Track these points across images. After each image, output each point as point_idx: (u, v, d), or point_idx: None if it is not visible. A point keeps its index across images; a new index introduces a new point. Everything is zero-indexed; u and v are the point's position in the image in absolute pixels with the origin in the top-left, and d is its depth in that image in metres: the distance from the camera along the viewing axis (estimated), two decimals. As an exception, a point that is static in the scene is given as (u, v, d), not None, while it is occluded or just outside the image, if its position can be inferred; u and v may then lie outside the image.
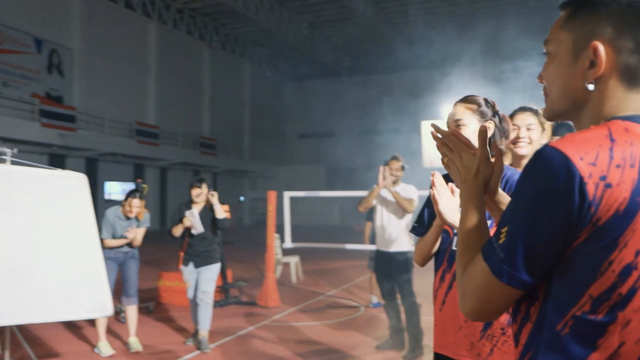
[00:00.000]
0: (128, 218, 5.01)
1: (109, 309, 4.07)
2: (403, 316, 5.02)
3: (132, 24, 25.03)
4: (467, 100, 1.94)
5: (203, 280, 5.07)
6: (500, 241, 0.87)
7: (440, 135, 1.13)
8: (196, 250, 5.12)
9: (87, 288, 4.08)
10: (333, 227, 26.92)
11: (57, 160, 20.29)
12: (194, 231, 5.10)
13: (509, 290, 0.86)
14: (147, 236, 5.17)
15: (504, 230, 0.87)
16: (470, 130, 1.87)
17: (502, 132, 1.90)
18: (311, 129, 36.65)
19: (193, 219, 5.05)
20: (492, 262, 0.87)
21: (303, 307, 7.16)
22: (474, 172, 1.04)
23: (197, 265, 5.10)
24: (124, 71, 24.43)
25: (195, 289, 5.12)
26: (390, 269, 4.93)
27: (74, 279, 4.07)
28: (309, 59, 32.26)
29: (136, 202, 4.97)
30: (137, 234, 4.94)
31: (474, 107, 1.92)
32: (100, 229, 4.49)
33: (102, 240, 4.65)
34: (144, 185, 6.17)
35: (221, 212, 5.16)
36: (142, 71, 25.76)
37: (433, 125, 1.16)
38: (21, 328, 4.81)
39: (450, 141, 1.10)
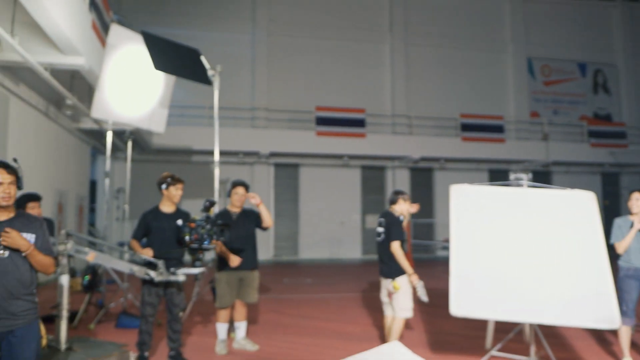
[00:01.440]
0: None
1: (615, 322, 4.15)
2: None
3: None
4: None
5: None
6: None
7: None
8: None
9: (594, 300, 4.30)
10: None
11: (609, 179, 20.39)
12: None
13: None
14: None
15: None
16: None
17: None
18: None
19: None
20: None
21: None
22: None
23: None
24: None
25: None
26: None
27: (582, 290, 4.38)
28: None
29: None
30: None
31: None
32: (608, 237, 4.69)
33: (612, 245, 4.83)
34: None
35: None
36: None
37: None
38: (544, 329, 5.42)
39: None
